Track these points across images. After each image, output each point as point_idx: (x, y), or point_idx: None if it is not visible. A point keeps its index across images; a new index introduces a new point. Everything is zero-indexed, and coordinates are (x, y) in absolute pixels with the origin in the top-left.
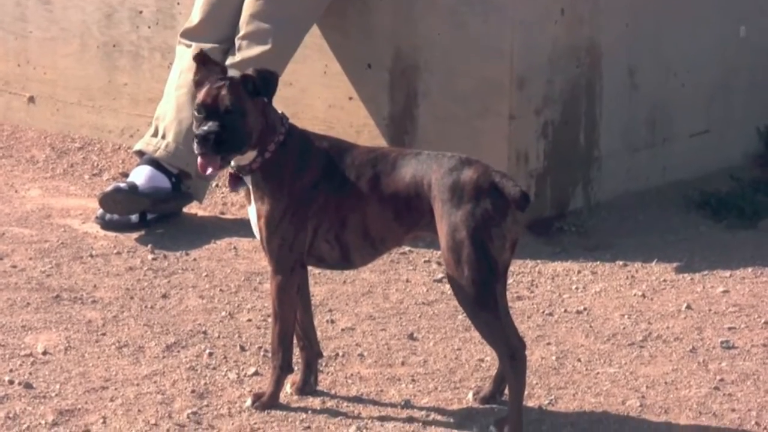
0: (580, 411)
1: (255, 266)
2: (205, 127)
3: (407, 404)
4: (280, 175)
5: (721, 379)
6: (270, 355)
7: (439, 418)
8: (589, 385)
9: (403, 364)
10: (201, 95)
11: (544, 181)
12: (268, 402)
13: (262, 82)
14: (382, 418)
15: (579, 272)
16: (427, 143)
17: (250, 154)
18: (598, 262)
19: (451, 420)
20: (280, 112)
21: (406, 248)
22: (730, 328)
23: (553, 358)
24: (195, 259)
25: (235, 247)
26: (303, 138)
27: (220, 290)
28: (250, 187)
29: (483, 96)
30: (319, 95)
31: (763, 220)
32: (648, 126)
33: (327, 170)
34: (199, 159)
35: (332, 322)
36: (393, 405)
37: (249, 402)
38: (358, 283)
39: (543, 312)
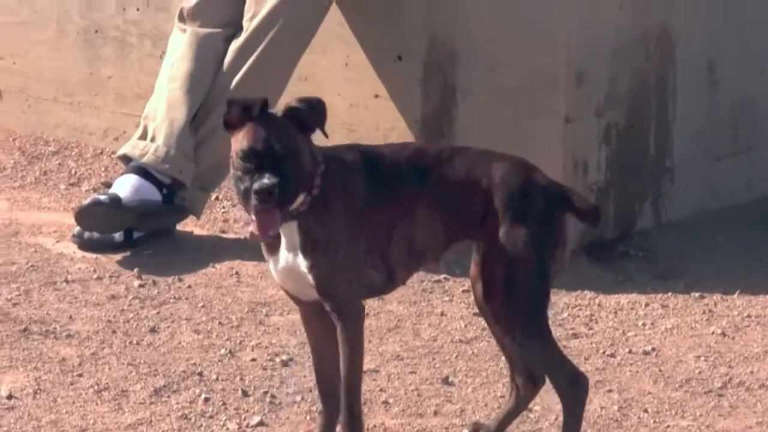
0: None
1: (260, 295)
2: (265, 180)
3: None
4: (333, 208)
5: None
6: (342, 421)
7: None
8: None
9: (436, 413)
10: (246, 140)
11: (606, 195)
12: None
13: (310, 113)
14: None
15: (647, 305)
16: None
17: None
18: (670, 294)
19: None
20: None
21: (442, 276)
22: None
23: (615, 407)
24: (190, 286)
25: (237, 272)
26: (334, 158)
27: (219, 324)
28: (283, 232)
29: (534, 93)
30: (340, 91)
31: None
32: (731, 131)
33: (369, 185)
34: (255, 218)
35: None
36: None
37: None
38: (383, 317)
39: (604, 353)
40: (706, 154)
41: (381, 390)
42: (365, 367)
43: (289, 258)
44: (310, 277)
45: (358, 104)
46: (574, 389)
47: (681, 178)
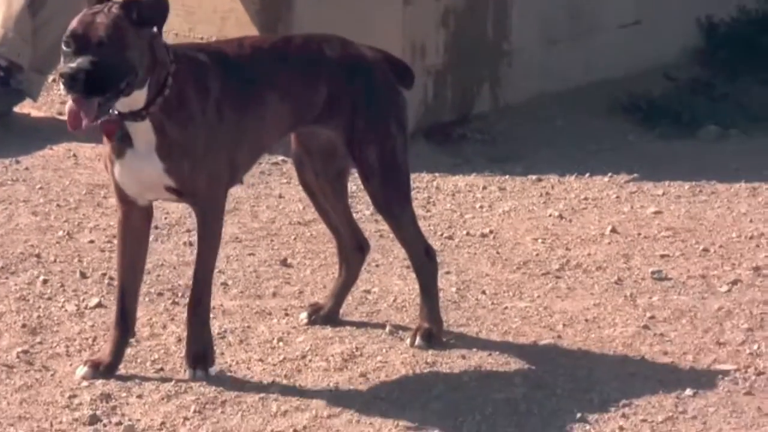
0: (484, 352)
1: (98, 177)
2: (73, 64)
3: (280, 342)
4: (189, 108)
5: (652, 316)
6: (188, 310)
7: (316, 359)
8: (496, 321)
9: (274, 295)
10: (72, 24)
11: (444, 78)
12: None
13: (149, 9)
14: (248, 360)
15: (484, 188)
16: (306, 30)
17: (138, 96)
18: (507, 177)
19: (330, 361)
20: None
21: (279, 157)
22: (662, 256)
23: (453, 289)
24: (27, 168)
25: (75, 155)
26: (187, 57)
27: (57, 206)
28: (134, 134)
29: None
30: None
31: (702, 127)
32: (569, 14)
33: (222, 84)
34: (68, 106)
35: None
36: (262, 343)
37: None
38: None
39: (441, 235)
40: (545, 37)
41: (220, 272)
42: None
43: (141, 160)
44: (167, 178)
45: None
46: (429, 257)
47: (519, 62)
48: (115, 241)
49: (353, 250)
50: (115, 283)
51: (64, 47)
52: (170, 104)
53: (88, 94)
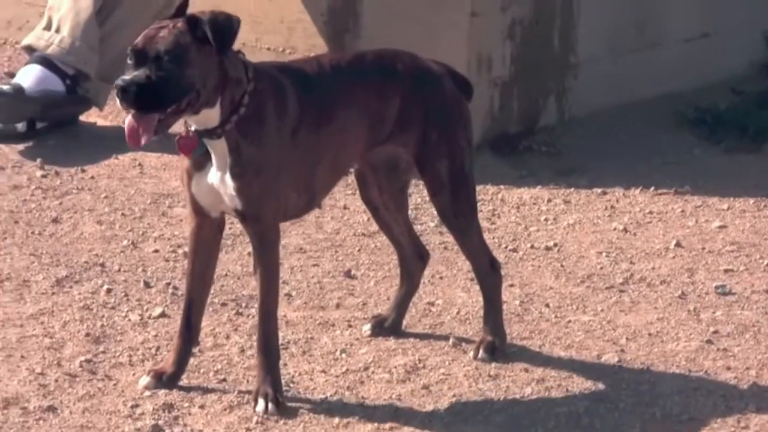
0: (547, 366)
1: (163, 187)
2: (128, 77)
3: (343, 353)
4: (265, 129)
5: (715, 331)
6: (258, 344)
7: (378, 370)
8: (559, 335)
9: (338, 306)
10: (138, 39)
11: (510, 90)
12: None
13: (213, 29)
14: (311, 371)
15: (549, 201)
16: (372, 42)
17: (212, 114)
18: (572, 189)
19: (393, 372)
20: (240, 55)
21: None
22: (726, 271)
23: (517, 302)
24: (93, 177)
25: (140, 164)
26: (268, 75)
27: (122, 215)
28: (213, 151)
29: None
30: None
31: None
32: (635, 27)
33: (301, 105)
34: (127, 121)
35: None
36: (325, 355)
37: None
38: None
39: (506, 248)
40: (611, 50)
41: (284, 283)
42: None
43: (217, 177)
44: (237, 200)
45: None
46: (493, 270)
47: (585, 74)
48: (180, 251)
49: (414, 259)
50: (183, 292)
51: (127, 60)
52: (246, 124)
53: (141, 108)
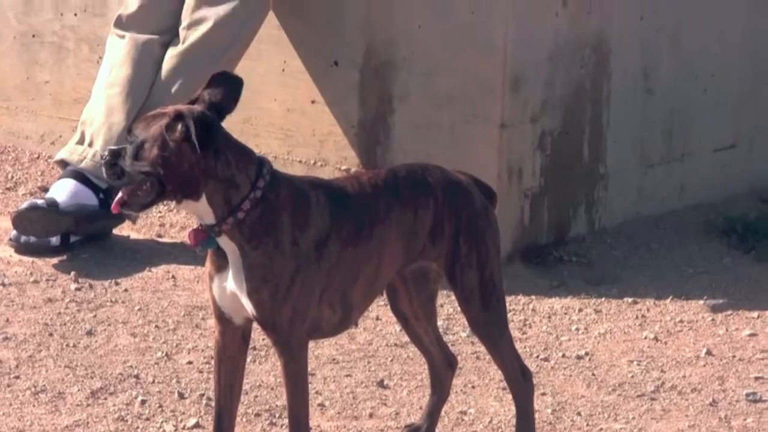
0: None
1: (197, 299)
2: (114, 147)
3: None
4: (276, 236)
5: None
6: None
7: None
8: None
9: (371, 416)
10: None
11: (540, 201)
12: None
13: (196, 126)
14: None
15: (580, 310)
16: (404, 154)
17: (199, 208)
18: (603, 299)
19: None
20: (257, 158)
21: None
22: (757, 378)
23: (549, 411)
24: (126, 290)
25: (173, 276)
26: (292, 186)
27: (156, 327)
28: (226, 249)
29: (470, 99)
30: (276, 97)
31: None
32: (664, 138)
33: (334, 222)
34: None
35: None
36: None
37: None
38: None
39: (537, 357)
40: (640, 160)
41: (317, 393)
42: None
43: (230, 278)
44: (251, 305)
45: (294, 109)
46: (525, 379)
47: (615, 185)
48: (212, 362)
49: (444, 368)
50: (213, 403)
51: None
52: (250, 229)
53: (113, 177)
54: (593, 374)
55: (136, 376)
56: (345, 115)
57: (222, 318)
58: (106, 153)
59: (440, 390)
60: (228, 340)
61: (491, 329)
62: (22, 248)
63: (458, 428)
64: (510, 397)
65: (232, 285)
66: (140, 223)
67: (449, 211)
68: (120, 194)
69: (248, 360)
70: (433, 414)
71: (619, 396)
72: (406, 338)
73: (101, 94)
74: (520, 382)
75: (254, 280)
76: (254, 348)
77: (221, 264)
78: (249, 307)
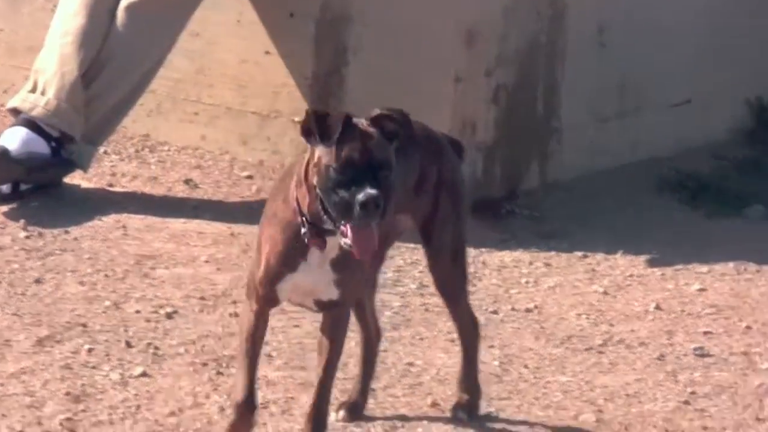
0: (526, 426)
1: (146, 248)
2: (370, 190)
3: None
4: None
5: (693, 392)
6: (310, 416)
7: (357, 430)
8: (537, 395)
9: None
10: (344, 151)
11: (493, 155)
12: None
13: (396, 125)
14: (291, 430)
15: (530, 264)
16: (357, 106)
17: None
18: (553, 253)
19: (372, 431)
20: None
21: None
22: (705, 333)
23: (496, 363)
24: (76, 239)
25: (124, 226)
26: None
27: (105, 276)
28: (329, 245)
29: (425, 53)
30: (231, 48)
31: (749, 207)
32: (618, 93)
33: None
34: (354, 235)
35: (235, 316)
36: (305, 414)
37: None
38: None
39: (486, 309)
40: (594, 115)
41: (264, 343)
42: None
43: (312, 272)
44: (332, 288)
45: (249, 60)
46: (476, 329)
47: (568, 140)
48: (162, 312)
49: (375, 340)
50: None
51: (337, 174)
52: None
53: (378, 220)
54: (542, 327)
55: (84, 325)
56: (299, 67)
57: (274, 301)
58: (366, 200)
59: (370, 364)
60: (263, 323)
61: (456, 286)
62: None
63: (405, 379)
64: (458, 349)
65: (310, 276)
66: (91, 173)
67: (431, 165)
68: (364, 234)
69: (196, 310)
70: (365, 389)
71: (567, 349)
72: None
73: (55, 43)
74: (470, 332)
75: (347, 268)
76: (203, 298)
77: (296, 255)
78: (332, 292)
